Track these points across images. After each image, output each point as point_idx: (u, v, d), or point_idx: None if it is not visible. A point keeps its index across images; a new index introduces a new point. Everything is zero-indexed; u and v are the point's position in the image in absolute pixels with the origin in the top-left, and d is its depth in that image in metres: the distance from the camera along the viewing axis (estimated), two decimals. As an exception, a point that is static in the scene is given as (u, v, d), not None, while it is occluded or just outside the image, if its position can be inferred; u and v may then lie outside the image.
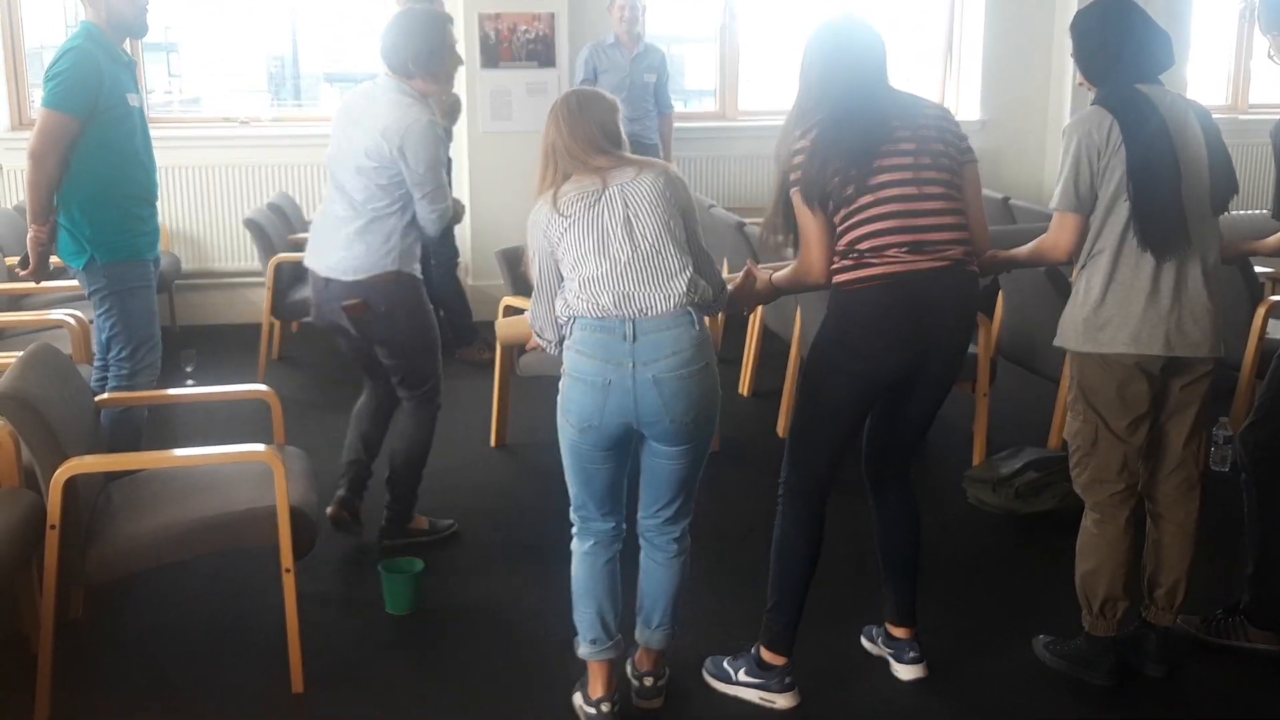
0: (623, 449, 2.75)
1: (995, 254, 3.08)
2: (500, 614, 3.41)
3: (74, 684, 2.97)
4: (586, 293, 2.65)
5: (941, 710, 2.99)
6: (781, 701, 2.95)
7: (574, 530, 2.87)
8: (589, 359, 2.65)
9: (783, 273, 2.99)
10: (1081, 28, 2.94)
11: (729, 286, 2.96)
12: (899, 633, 3.11)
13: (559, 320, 2.76)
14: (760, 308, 4.93)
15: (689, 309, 2.66)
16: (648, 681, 2.93)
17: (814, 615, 3.01)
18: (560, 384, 2.73)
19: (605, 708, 2.83)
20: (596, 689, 2.85)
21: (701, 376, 2.68)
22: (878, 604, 3.17)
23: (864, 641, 3.23)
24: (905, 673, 3.08)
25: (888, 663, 3.12)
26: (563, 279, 2.73)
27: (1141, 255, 2.80)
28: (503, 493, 4.34)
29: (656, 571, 2.88)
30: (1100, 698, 3.01)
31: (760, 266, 3.14)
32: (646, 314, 2.63)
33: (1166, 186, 2.77)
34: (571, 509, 2.86)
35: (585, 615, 2.84)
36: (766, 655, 2.97)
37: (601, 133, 2.74)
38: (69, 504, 2.79)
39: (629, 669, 2.98)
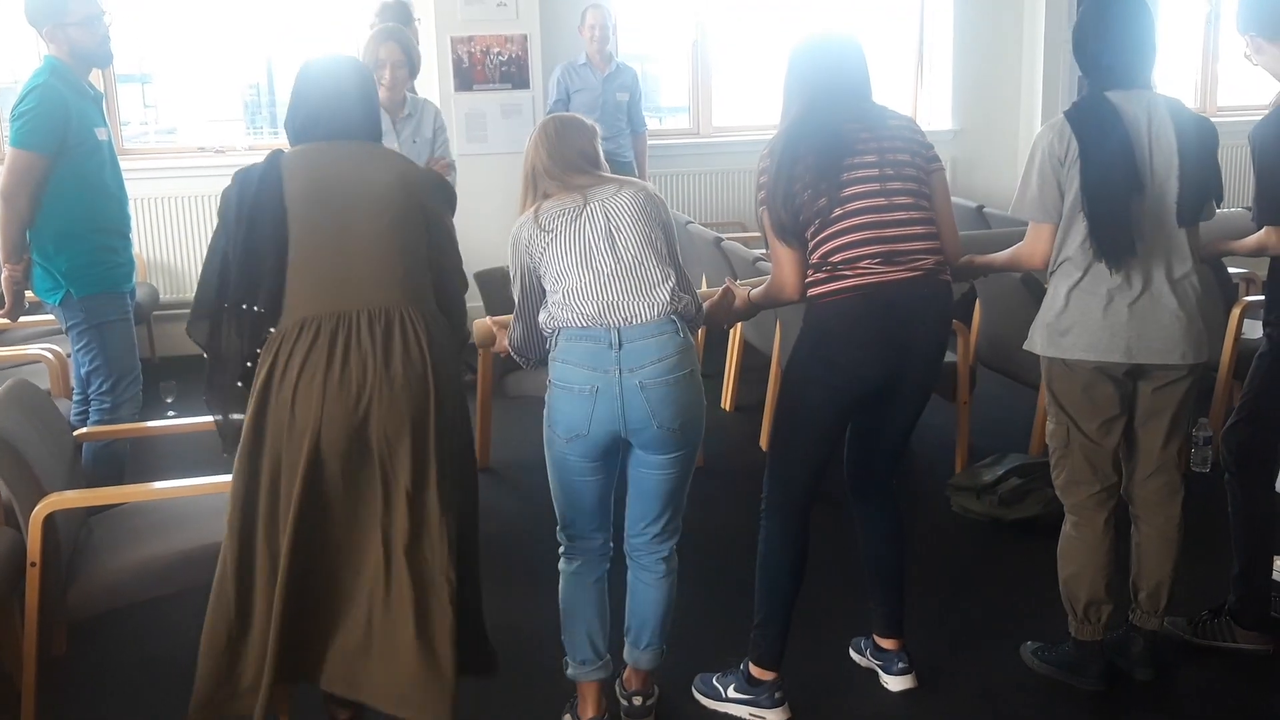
0: (610, 461, 2.75)
1: (972, 259, 3.10)
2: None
3: (59, 722, 2.95)
4: (571, 303, 2.65)
5: (932, 720, 2.99)
6: (772, 717, 2.94)
7: (561, 550, 2.86)
8: (575, 367, 2.65)
9: (759, 289, 3.00)
10: (1078, 20, 2.94)
11: (706, 302, 2.97)
12: (887, 644, 3.11)
13: (543, 333, 2.76)
14: (740, 323, 4.94)
15: (673, 317, 2.68)
16: (637, 701, 2.92)
17: (802, 629, 3.01)
18: (546, 396, 2.74)
19: None
20: (586, 710, 2.84)
21: (687, 383, 2.69)
22: (865, 616, 3.17)
23: (852, 654, 3.23)
24: (894, 684, 3.08)
25: (877, 674, 3.12)
26: (544, 295, 2.74)
27: (1101, 264, 2.82)
28: (488, 514, 4.26)
29: (645, 592, 2.87)
30: (1089, 702, 3.02)
31: (738, 283, 3.16)
32: (631, 321, 2.64)
33: (1118, 201, 2.79)
34: (558, 529, 2.85)
35: (574, 636, 2.84)
36: (755, 671, 2.97)
37: (580, 156, 2.77)
38: (49, 540, 2.77)
39: (618, 689, 2.97)
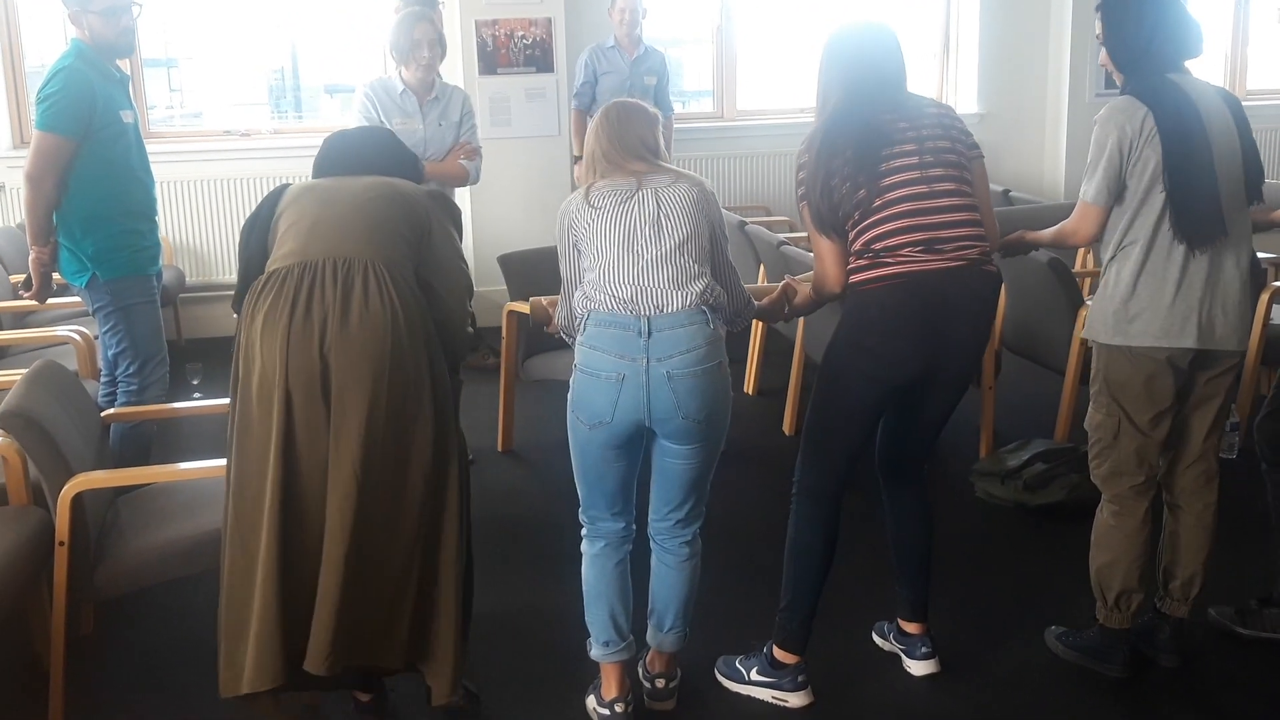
0: (634, 448, 2.74)
1: (1023, 235, 3.12)
2: (511, 618, 3.40)
3: (86, 700, 2.98)
4: (605, 285, 2.65)
5: (955, 706, 2.98)
6: (794, 700, 2.94)
7: (583, 532, 2.87)
8: (602, 354, 2.65)
9: (804, 291, 3.01)
10: (1113, 11, 2.89)
11: (765, 299, 3.01)
12: (911, 628, 3.10)
13: (575, 314, 2.76)
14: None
15: (703, 308, 2.67)
16: (660, 683, 2.93)
17: (825, 612, 3.01)
18: (571, 380, 2.73)
19: (619, 709, 2.83)
20: (610, 690, 2.85)
21: (715, 375, 2.68)
22: (888, 600, 3.17)
23: (875, 638, 3.22)
24: (918, 668, 3.07)
25: (900, 659, 3.12)
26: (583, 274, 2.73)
27: (1174, 246, 2.77)
28: (511, 497, 4.34)
29: (668, 575, 2.87)
30: (1114, 689, 3.00)
31: (798, 278, 3.14)
32: (662, 310, 2.63)
33: (1203, 177, 2.74)
34: (580, 510, 2.86)
35: (597, 617, 2.84)
36: (779, 654, 2.97)
37: (641, 143, 2.78)
38: (77, 520, 2.79)
39: (641, 671, 2.98)
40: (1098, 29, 2.93)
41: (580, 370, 2.70)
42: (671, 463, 2.77)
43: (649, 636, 2.94)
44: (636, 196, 2.69)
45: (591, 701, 2.90)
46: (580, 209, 2.71)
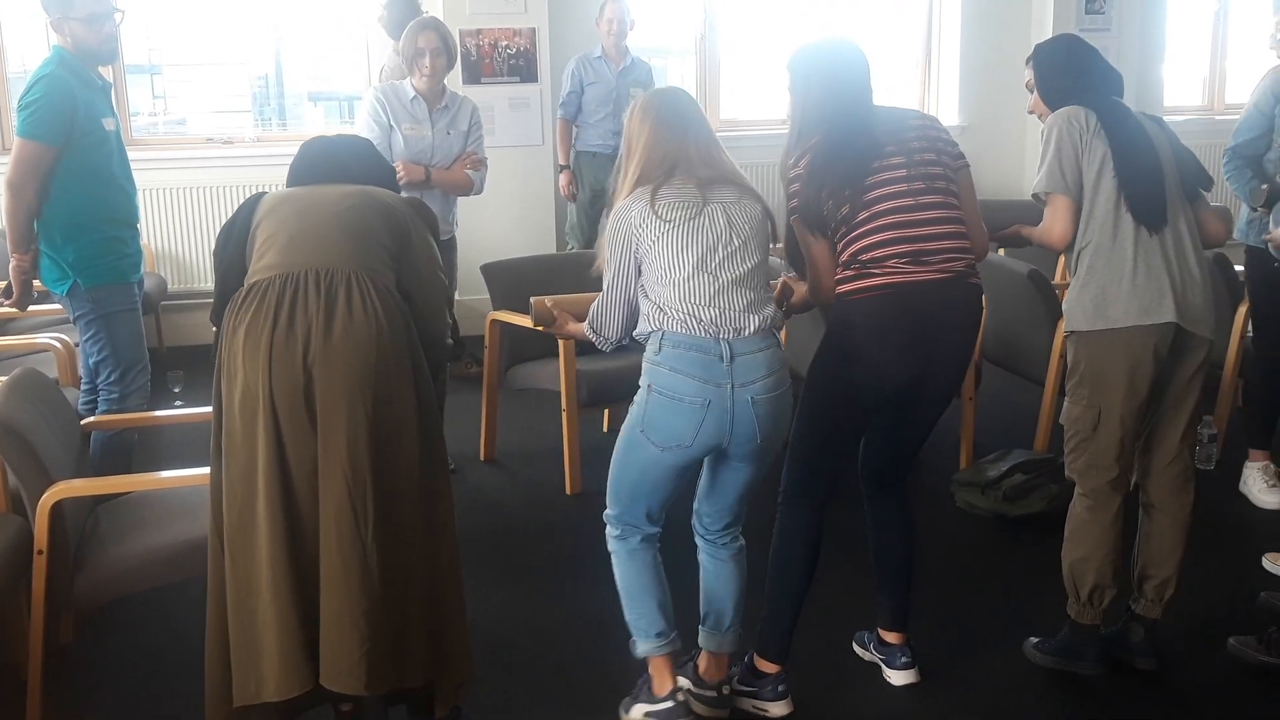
0: (697, 467, 2.76)
1: (1018, 229, 3.19)
2: (492, 629, 3.39)
3: (65, 710, 2.96)
4: (685, 303, 2.62)
5: (934, 715, 2.99)
6: (774, 709, 2.95)
7: (615, 532, 2.82)
8: (686, 378, 2.61)
9: (800, 290, 3.03)
10: (1044, 55, 3.14)
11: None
12: (891, 638, 3.11)
13: (635, 322, 2.73)
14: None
15: (772, 330, 2.69)
16: (726, 690, 2.91)
17: (806, 621, 3.01)
18: (640, 399, 2.68)
19: (680, 697, 2.78)
20: (664, 685, 2.79)
21: (788, 397, 2.73)
22: (869, 610, 3.18)
23: (855, 647, 3.23)
24: (897, 678, 3.09)
25: (880, 668, 3.13)
26: (638, 278, 2.70)
27: (1137, 229, 2.87)
28: (493, 507, 4.33)
29: (722, 569, 2.87)
30: (1095, 696, 3.02)
31: (793, 276, 3.15)
32: (740, 334, 2.63)
33: (1148, 158, 2.90)
34: (612, 513, 2.82)
35: (645, 609, 2.79)
36: (760, 663, 2.97)
37: (712, 145, 2.75)
38: (56, 528, 2.78)
39: (692, 684, 2.92)
40: (1028, 76, 3.17)
41: (659, 393, 2.63)
42: (733, 477, 2.78)
43: (703, 641, 2.90)
44: (705, 212, 2.65)
45: (640, 708, 2.83)
46: (646, 220, 2.64)
